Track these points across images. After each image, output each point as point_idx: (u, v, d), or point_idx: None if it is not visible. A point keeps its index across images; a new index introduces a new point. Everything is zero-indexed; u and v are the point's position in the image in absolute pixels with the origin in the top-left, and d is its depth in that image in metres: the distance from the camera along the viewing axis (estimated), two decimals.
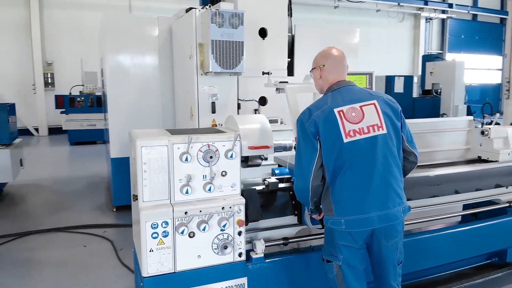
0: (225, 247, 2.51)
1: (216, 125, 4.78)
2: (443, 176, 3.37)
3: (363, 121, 2.24)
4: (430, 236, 3.36)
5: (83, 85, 11.70)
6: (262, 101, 5.56)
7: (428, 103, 9.33)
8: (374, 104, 2.29)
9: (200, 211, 2.48)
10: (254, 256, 2.70)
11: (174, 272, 2.46)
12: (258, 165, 2.85)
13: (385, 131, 2.26)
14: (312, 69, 2.58)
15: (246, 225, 2.71)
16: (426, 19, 18.24)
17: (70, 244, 4.61)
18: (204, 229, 2.44)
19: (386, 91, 9.97)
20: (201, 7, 4.71)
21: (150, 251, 2.40)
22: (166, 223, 2.41)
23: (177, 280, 2.47)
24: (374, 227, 2.20)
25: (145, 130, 2.72)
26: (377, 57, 16.72)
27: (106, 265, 4.04)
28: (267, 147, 2.71)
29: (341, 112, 2.25)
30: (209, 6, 4.53)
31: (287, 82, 3.49)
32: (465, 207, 3.80)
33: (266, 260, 2.73)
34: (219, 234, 2.52)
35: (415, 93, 10.43)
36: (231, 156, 2.54)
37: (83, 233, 4.92)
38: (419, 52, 17.79)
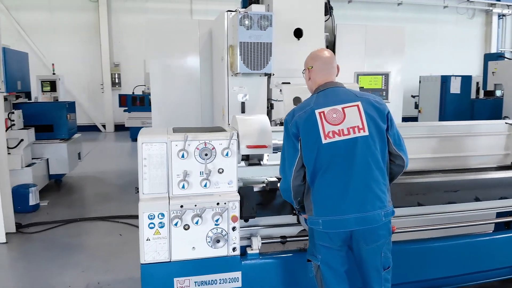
0: (218, 241, 2.63)
1: None
2: (460, 182, 3.22)
3: (344, 123, 2.24)
4: (456, 243, 3.22)
5: (144, 85, 12.43)
6: (296, 101, 5.59)
7: (488, 105, 8.71)
8: (357, 105, 2.28)
9: (195, 205, 2.61)
10: (249, 251, 2.79)
11: (170, 261, 2.63)
12: (259, 164, 2.93)
13: (366, 133, 2.23)
14: (303, 70, 2.61)
15: (246, 221, 2.83)
16: (499, 16, 16.93)
17: (109, 232, 5.00)
18: (197, 223, 2.58)
19: (442, 92, 9.47)
20: (235, 9, 4.86)
21: (147, 240, 2.59)
22: (162, 214, 2.58)
23: (172, 268, 2.63)
24: (351, 229, 2.19)
25: (152, 128, 2.91)
26: (444, 56, 15.88)
27: (135, 253, 4.31)
28: (264, 146, 2.78)
29: (322, 113, 2.26)
30: (238, 9, 4.66)
31: (289, 83, 3.53)
32: (499, 215, 3.59)
33: (261, 257, 2.80)
34: (213, 228, 2.65)
35: (475, 94, 9.79)
36: (227, 154, 2.65)
37: (123, 222, 5.29)
38: (491, 50, 16.57)
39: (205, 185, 2.64)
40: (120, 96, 12.46)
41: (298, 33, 5.48)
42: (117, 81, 14.59)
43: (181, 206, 2.60)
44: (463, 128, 3.96)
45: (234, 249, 2.70)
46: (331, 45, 6.45)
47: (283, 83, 3.66)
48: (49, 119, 6.66)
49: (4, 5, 12.42)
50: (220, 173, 2.69)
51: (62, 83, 11.92)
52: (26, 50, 12.71)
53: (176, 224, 2.56)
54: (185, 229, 2.61)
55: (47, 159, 6.61)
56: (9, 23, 12.46)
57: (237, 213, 2.68)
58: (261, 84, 4.98)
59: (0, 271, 4.02)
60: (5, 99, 6.09)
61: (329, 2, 5.86)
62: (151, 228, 2.58)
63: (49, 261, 4.14)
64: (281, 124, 5.39)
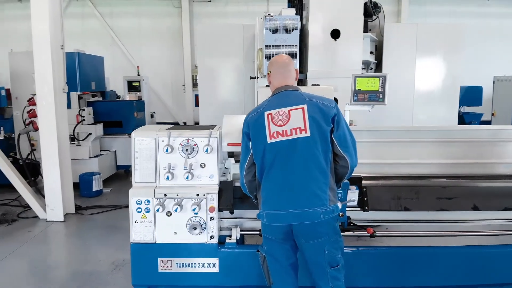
0: (194, 228, 2.90)
1: None
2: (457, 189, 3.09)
3: (288, 124, 2.35)
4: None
5: None
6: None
7: None
8: (302, 108, 2.37)
9: (177, 195, 2.93)
10: (228, 241, 3.02)
11: (155, 242, 2.97)
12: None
13: (308, 134, 2.32)
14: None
15: (231, 213, 3.07)
16: None
17: None
18: (176, 210, 2.89)
19: None
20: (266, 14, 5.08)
21: (135, 222, 2.96)
22: (148, 201, 2.94)
23: (157, 249, 2.97)
24: (287, 223, 2.31)
25: (148, 125, 3.29)
26: None
27: None
28: None
29: (269, 115, 2.40)
30: (265, 13, 4.87)
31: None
32: None
33: (238, 246, 3.01)
34: (192, 217, 2.93)
35: None
36: (206, 151, 2.92)
37: None
38: None
39: (187, 178, 2.94)
40: (196, 96, 13.30)
41: (335, 34, 5.51)
42: (197, 82, 15.52)
43: (165, 195, 2.93)
44: (487, 133, 3.73)
45: (211, 237, 2.95)
46: (380, 46, 6.34)
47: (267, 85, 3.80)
48: (118, 116, 7.50)
49: (99, 13, 13.97)
50: (202, 167, 2.96)
51: (146, 83, 13.13)
52: (118, 54, 14.32)
53: (158, 210, 2.90)
54: (168, 216, 2.93)
55: (115, 151, 7.46)
56: (103, 29, 13.98)
57: (215, 204, 2.93)
58: None
59: (52, 243, 4.76)
60: (80, 97, 7.05)
61: (371, 2, 5.77)
62: (139, 212, 2.95)
63: (92, 238, 4.78)
64: None
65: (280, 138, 2.35)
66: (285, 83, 2.56)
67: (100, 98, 7.90)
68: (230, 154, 3.11)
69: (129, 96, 12.16)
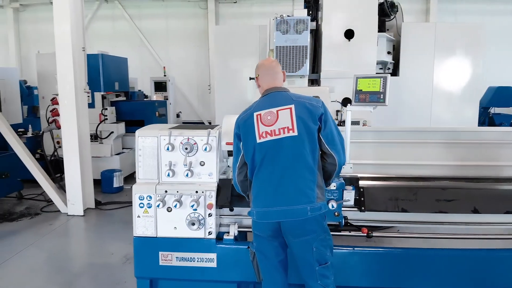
0: (193, 224, 3.00)
1: None
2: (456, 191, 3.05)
3: (276, 124, 2.41)
4: None
5: None
6: (346, 102, 5.63)
7: None
8: (290, 108, 2.43)
9: (177, 192, 3.04)
10: (226, 237, 3.10)
11: (156, 236, 3.09)
12: None
13: (295, 133, 2.38)
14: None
15: (231, 210, 3.15)
16: None
17: None
18: (175, 206, 3.00)
19: None
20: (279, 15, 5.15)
21: (137, 216, 3.09)
22: (150, 197, 3.06)
23: (158, 243, 3.09)
24: (275, 220, 2.37)
25: (153, 125, 3.42)
26: None
27: None
28: None
29: (259, 116, 2.47)
30: (276, 15, 4.93)
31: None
32: None
33: (236, 242, 3.09)
34: (191, 213, 3.03)
35: None
36: (205, 149, 3.01)
37: None
38: None
39: (187, 175, 3.05)
40: None
41: (349, 34, 5.51)
42: None
43: (166, 191, 3.05)
44: (495, 135, 3.67)
45: (210, 233, 3.05)
46: (398, 46, 6.27)
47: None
48: (140, 115, 7.73)
49: (128, 15, 14.38)
50: (202, 165, 3.06)
51: (172, 84, 13.39)
52: (146, 55, 14.70)
53: (158, 206, 3.02)
54: (168, 211, 3.05)
55: None
56: (132, 31, 14.38)
57: (213, 201, 3.02)
58: (302, 85, 5.17)
59: (70, 236, 5.00)
60: (104, 97, 7.33)
61: (387, 1, 5.72)
62: (141, 207, 3.08)
63: (108, 232, 4.99)
64: None
65: (269, 138, 2.42)
66: (274, 84, 2.62)
67: (124, 98, 8.17)
68: (230, 153, 3.20)
69: (156, 96, 12.46)
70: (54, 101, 5.79)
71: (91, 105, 7.24)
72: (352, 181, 3.06)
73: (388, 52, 6.24)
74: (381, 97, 3.31)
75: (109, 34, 14.45)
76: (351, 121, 5.47)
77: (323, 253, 2.43)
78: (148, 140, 3.11)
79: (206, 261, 3.08)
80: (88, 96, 6.97)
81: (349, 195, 2.98)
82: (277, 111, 2.45)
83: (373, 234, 3.02)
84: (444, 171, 3.59)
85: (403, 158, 3.70)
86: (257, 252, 2.53)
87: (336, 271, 2.57)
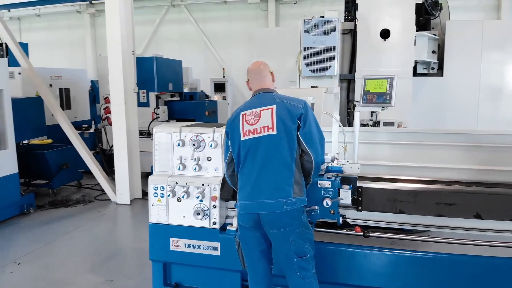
0: (198, 214, 3.26)
1: None
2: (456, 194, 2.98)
3: (258, 123, 2.57)
4: None
5: None
6: None
7: None
8: (272, 108, 2.57)
9: (186, 184, 3.32)
10: (229, 228, 3.32)
11: (168, 224, 3.40)
12: None
13: (275, 132, 2.52)
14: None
15: (233, 200, 3.36)
16: None
17: None
18: (183, 197, 3.28)
19: None
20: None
21: (152, 205, 3.42)
22: (163, 187, 3.38)
23: (169, 230, 3.39)
24: (253, 212, 2.53)
25: (170, 122, 3.73)
26: None
27: None
28: None
29: (244, 115, 2.64)
30: (304, 17, 5.03)
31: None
32: None
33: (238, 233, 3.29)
34: (198, 204, 3.30)
35: None
36: (211, 146, 3.26)
37: None
38: None
39: (195, 169, 3.32)
40: None
41: (384, 34, 5.46)
42: None
43: (176, 183, 3.34)
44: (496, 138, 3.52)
45: (214, 223, 3.29)
46: (442, 44, 6.05)
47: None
48: (191, 115, 8.20)
49: (193, 18, 15.12)
50: (209, 160, 3.31)
51: (230, 84, 13.85)
52: (209, 57, 15.34)
53: (169, 196, 3.32)
54: (178, 201, 3.34)
55: None
56: (197, 34, 15.11)
57: (217, 194, 3.26)
58: (333, 85, 5.21)
59: (113, 222, 5.53)
60: (158, 97, 7.90)
61: (426, 0, 5.56)
62: (155, 196, 3.41)
63: (147, 220, 5.42)
64: (362, 125, 5.53)
65: (251, 136, 2.59)
66: (261, 86, 2.78)
67: (178, 98, 8.70)
68: None
69: (215, 97, 12.99)
70: (107, 100, 6.40)
71: (146, 104, 7.88)
72: (350, 181, 3.12)
73: (433, 52, 6.04)
74: (388, 98, 3.32)
75: (176, 37, 15.31)
76: (384, 122, 5.47)
77: (301, 246, 2.55)
78: (163, 136, 3.42)
79: (210, 249, 3.32)
80: (143, 96, 7.59)
81: (345, 194, 3.05)
82: (260, 111, 2.61)
83: (370, 234, 3.07)
84: (461, 175, 3.50)
85: (417, 160, 3.66)
86: (241, 242, 2.71)
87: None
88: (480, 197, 2.97)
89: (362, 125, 5.65)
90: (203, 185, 3.29)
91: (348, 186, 3.06)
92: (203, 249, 3.34)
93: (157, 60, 7.60)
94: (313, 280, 2.63)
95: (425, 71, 6.13)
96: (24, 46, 8.48)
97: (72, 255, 4.31)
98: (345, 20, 6.24)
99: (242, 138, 2.62)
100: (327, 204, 2.94)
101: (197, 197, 3.27)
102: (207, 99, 12.03)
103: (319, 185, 2.97)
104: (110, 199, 6.24)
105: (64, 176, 6.53)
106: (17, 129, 5.79)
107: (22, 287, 3.64)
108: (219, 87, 13.25)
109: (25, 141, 7.20)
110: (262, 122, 2.58)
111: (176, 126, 3.46)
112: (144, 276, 3.66)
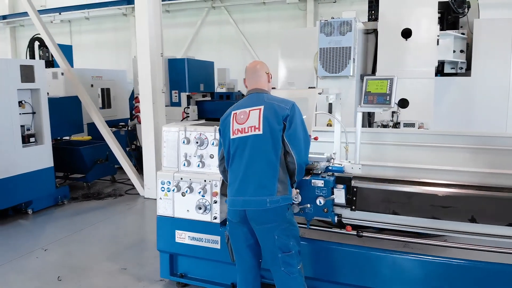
0: (199, 208, 3.44)
1: (330, 125, 5.27)
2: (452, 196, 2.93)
3: (246, 123, 2.66)
4: None
5: None
6: (402, 103, 5.50)
7: None
8: (260, 109, 2.65)
9: (190, 179, 3.50)
10: None
11: (173, 217, 3.60)
12: None
13: (261, 132, 2.60)
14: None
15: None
16: None
17: None
18: (186, 191, 3.47)
19: None
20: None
21: (160, 198, 3.64)
22: (169, 182, 3.58)
23: (174, 222, 3.59)
24: (238, 208, 2.64)
25: (180, 122, 3.92)
26: None
27: None
28: None
29: (235, 114, 2.75)
30: (321, 18, 5.06)
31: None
32: None
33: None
34: (200, 198, 3.47)
35: None
36: (213, 144, 3.42)
37: None
38: None
39: (198, 166, 3.49)
40: None
41: (406, 33, 5.37)
42: None
43: (181, 178, 3.53)
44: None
45: (215, 217, 3.45)
46: (471, 43, 5.85)
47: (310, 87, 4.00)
48: (220, 114, 8.36)
49: (233, 20, 15.38)
50: (211, 158, 3.48)
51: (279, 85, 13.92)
52: (248, 58, 15.51)
53: (173, 190, 3.52)
54: (183, 196, 3.53)
55: None
56: (236, 35, 15.36)
57: (218, 190, 3.41)
58: (349, 86, 5.22)
59: (139, 215, 5.84)
60: (190, 97, 8.19)
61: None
62: (162, 190, 3.62)
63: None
64: (383, 127, 5.48)
65: (239, 135, 2.69)
66: (256, 86, 2.85)
67: (209, 98, 8.96)
68: None
69: None
70: (137, 99, 6.74)
71: (178, 104, 8.21)
72: (344, 180, 3.16)
73: (461, 51, 5.86)
74: (387, 99, 3.31)
75: (215, 39, 15.65)
76: (404, 123, 5.39)
77: (285, 242, 2.63)
78: (170, 134, 3.63)
79: (211, 242, 3.49)
80: (176, 96, 7.90)
81: (339, 194, 3.09)
82: (249, 111, 2.71)
83: (363, 234, 3.09)
84: (468, 178, 3.42)
85: (424, 162, 3.62)
86: (230, 236, 2.83)
87: None
88: (476, 200, 2.91)
89: (383, 126, 5.59)
90: (205, 181, 3.46)
91: (342, 186, 3.10)
92: (205, 242, 3.51)
93: (189, 62, 7.89)
94: (298, 276, 2.70)
95: (453, 71, 5.95)
96: (69, 48, 9.12)
97: (94, 244, 4.63)
98: (369, 19, 6.18)
99: (232, 137, 2.74)
100: (320, 203, 3.00)
101: (199, 192, 3.44)
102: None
103: (312, 184, 3.05)
104: (138, 194, 6.58)
105: (98, 171, 6.97)
106: (57, 126, 6.27)
107: (43, 271, 3.98)
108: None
109: (67, 138, 7.77)
110: (250, 122, 2.68)
111: (182, 124, 3.66)
112: (156, 266, 3.86)
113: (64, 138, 7.65)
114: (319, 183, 3.03)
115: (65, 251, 4.45)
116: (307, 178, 3.04)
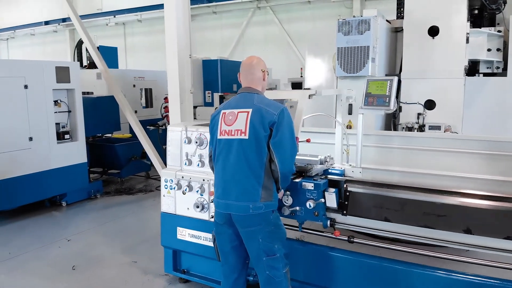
0: (197, 206, 3.52)
1: (351, 126, 5.15)
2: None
3: (234, 125, 2.64)
4: None
5: None
6: (429, 104, 5.27)
7: None
8: (248, 112, 2.61)
9: (190, 178, 3.60)
10: None
11: (175, 214, 3.72)
12: None
13: (246, 137, 2.57)
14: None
15: None
16: None
17: None
18: (186, 190, 3.56)
19: None
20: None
21: (163, 195, 3.77)
22: (172, 180, 3.70)
23: (176, 219, 3.71)
24: (222, 211, 2.66)
25: (186, 122, 4.03)
26: None
27: None
28: None
29: (224, 114, 2.72)
30: (339, 17, 4.96)
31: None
32: None
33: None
34: (198, 197, 3.55)
35: None
36: None
37: None
38: None
39: (198, 165, 3.58)
40: None
41: (433, 31, 5.13)
42: None
43: (182, 177, 3.64)
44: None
45: (212, 216, 3.50)
46: (508, 41, 5.46)
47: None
48: None
49: (278, 19, 15.38)
50: None
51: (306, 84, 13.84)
52: (291, 57, 15.47)
53: (174, 188, 3.63)
54: (183, 194, 3.63)
55: None
56: (281, 34, 15.35)
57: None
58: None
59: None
60: (223, 97, 8.34)
61: None
62: (166, 188, 3.75)
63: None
64: (408, 129, 5.27)
65: (226, 137, 2.67)
66: (248, 84, 2.79)
67: None
68: None
69: None
70: (166, 99, 6.97)
71: (211, 104, 8.39)
72: (336, 184, 3.09)
73: (498, 49, 5.47)
74: (387, 101, 3.19)
75: (261, 39, 15.73)
76: (430, 126, 5.16)
77: (269, 245, 2.62)
78: (174, 133, 3.75)
79: (209, 241, 3.55)
80: (209, 96, 8.08)
81: (330, 197, 3.03)
82: (238, 112, 2.66)
83: (355, 240, 3.01)
84: (479, 186, 3.22)
85: (431, 167, 3.45)
86: (216, 236, 2.86)
87: None
88: (471, 210, 2.73)
89: (408, 128, 5.37)
90: (203, 180, 3.53)
91: (333, 189, 3.04)
92: (203, 240, 3.59)
93: (221, 63, 8.03)
94: (283, 280, 2.68)
95: (489, 70, 5.57)
96: (114, 50, 9.63)
97: (113, 237, 4.88)
98: (397, 17, 5.96)
99: (219, 137, 2.72)
100: (310, 206, 2.96)
101: (197, 191, 3.52)
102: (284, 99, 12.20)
103: (302, 186, 3.02)
104: None
105: (133, 167, 7.31)
106: (94, 124, 6.67)
107: (61, 260, 4.26)
108: (296, 86, 13.31)
109: (108, 135, 8.21)
110: (237, 125, 2.64)
111: (186, 124, 3.76)
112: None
113: (105, 135, 8.09)
114: (309, 185, 3.00)
115: (87, 242, 4.73)
116: (298, 180, 3.02)
